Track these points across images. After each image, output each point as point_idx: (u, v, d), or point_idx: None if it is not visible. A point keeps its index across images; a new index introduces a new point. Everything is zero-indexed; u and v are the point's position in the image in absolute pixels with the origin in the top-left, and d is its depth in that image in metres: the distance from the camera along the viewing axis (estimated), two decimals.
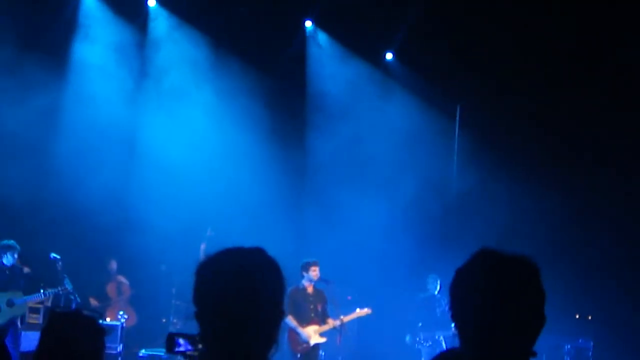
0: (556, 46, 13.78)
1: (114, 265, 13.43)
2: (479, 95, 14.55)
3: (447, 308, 12.02)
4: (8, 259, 10.50)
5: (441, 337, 12.18)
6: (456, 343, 2.25)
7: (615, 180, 14.04)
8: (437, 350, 11.83)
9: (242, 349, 2.09)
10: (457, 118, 15.08)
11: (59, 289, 10.81)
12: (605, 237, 14.05)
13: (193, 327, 2.16)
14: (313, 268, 10.54)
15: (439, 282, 12.57)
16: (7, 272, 10.57)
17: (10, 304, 10.49)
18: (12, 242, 10.56)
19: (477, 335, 2.11)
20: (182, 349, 2.11)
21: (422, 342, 12.24)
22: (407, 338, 12.39)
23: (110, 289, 13.24)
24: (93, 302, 12.72)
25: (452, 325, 2.04)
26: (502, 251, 2.17)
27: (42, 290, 10.71)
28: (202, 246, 12.35)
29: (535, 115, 14.42)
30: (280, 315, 2.15)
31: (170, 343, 2.10)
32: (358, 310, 11.05)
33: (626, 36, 13.18)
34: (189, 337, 2.16)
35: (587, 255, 14.01)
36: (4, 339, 10.13)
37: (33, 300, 10.79)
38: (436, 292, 12.59)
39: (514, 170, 14.38)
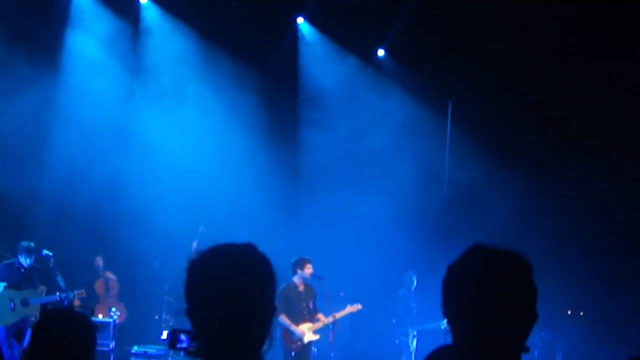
0: (548, 42, 13.80)
1: (100, 262, 13.36)
2: (471, 92, 14.56)
3: (416, 304, 12.55)
4: (25, 260, 10.63)
5: (415, 333, 12.56)
6: (448, 339, 2.24)
7: (610, 176, 14.06)
8: (413, 345, 12.44)
9: (235, 345, 2.08)
10: (449, 114, 15.08)
11: (75, 292, 10.94)
12: (597, 233, 14.09)
13: (185, 324, 2.16)
14: (308, 265, 10.52)
15: (415, 278, 12.75)
16: (23, 271, 10.68)
17: (25, 303, 10.55)
18: (31, 244, 10.75)
19: (469, 331, 2.11)
20: (184, 345, 2.11)
21: (401, 337, 12.56)
22: (393, 321, 12.63)
23: (98, 286, 13.18)
24: (77, 304, 12.69)
25: (445, 321, 2.04)
26: (495, 247, 2.17)
27: (57, 293, 10.78)
28: (194, 244, 12.33)
29: (527, 112, 14.44)
30: (272, 311, 2.14)
31: (173, 339, 2.10)
32: (349, 306, 11.09)
33: (622, 30, 13.21)
34: (190, 333, 2.15)
35: (580, 251, 14.04)
36: (22, 337, 10.30)
37: (48, 301, 10.80)
38: (413, 288, 12.79)
39: (506, 167, 14.41)
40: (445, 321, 2.19)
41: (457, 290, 2.15)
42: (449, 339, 2.21)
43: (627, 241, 14.01)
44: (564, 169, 14.52)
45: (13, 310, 10.54)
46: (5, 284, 10.54)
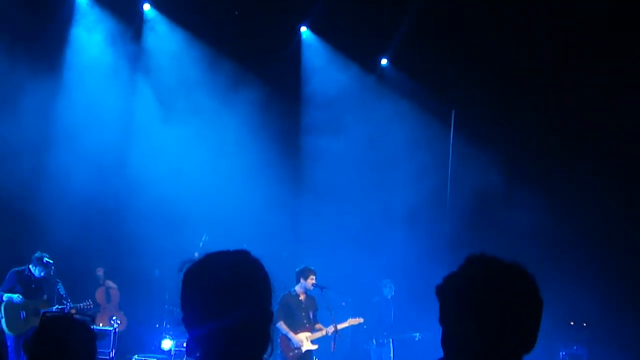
0: (551, 50, 13.80)
1: (100, 272, 13.39)
2: (474, 100, 14.56)
3: (393, 312, 12.74)
4: (35, 270, 10.68)
5: (390, 341, 12.77)
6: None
7: (613, 186, 14.01)
8: (386, 353, 12.63)
9: (233, 351, 2.06)
10: (452, 123, 15.09)
11: (85, 303, 10.92)
12: (600, 245, 14.04)
13: (186, 332, 2.15)
14: (311, 277, 10.52)
15: (390, 287, 12.97)
16: (33, 280, 10.67)
17: (36, 313, 10.50)
18: (44, 255, 10.75)
19: (467, 342, 2.09)
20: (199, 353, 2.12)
21: (375, 345, 12.78)
22: (365, 326, 12.72)
23: (99, 295, 13.18)
24: (73, 312, 12.66)
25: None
26: (494, 257, 2.15)
27: (65, 304, 10.79)
28: (196, 255, 12.27)
29: (529, 120, 14.42)
30: (269, 315, 2.12)
31: (191, 347, 2.11)
32: (350, 319, 11.10)
33: (622, 36, 13.20)
34: None
35: (582, 263, 14.00)
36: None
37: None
38: (390, 297, 12.99)
39: (508, 175, 14.40)
40: (442, 331, 2.17)
41: (455, 300, 2.13)
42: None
43: (631, 252, 13.96)
44: (567, 177, 14.48)
45: (24, 319, 10.51)
46: (21, 297, 10.51)
